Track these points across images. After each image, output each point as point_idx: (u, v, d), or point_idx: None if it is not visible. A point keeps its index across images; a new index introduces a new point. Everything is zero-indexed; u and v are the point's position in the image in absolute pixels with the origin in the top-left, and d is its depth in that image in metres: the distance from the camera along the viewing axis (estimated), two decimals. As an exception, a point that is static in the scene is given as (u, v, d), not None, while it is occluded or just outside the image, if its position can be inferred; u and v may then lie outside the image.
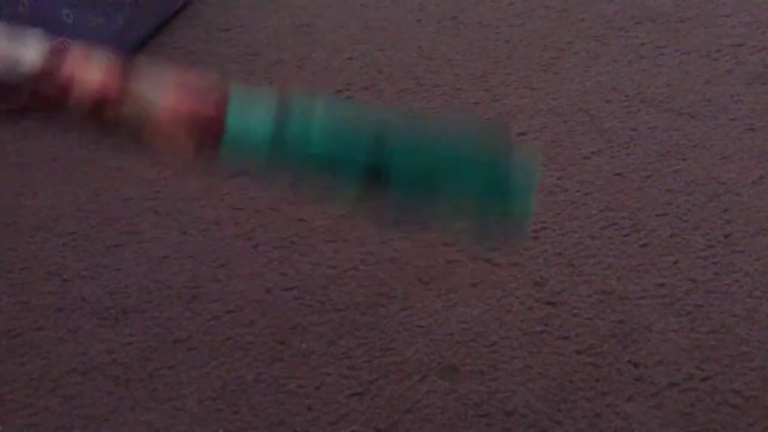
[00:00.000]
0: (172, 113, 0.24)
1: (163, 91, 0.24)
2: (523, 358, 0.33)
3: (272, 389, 0.32)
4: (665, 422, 0.30)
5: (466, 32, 0.58)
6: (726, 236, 0.38)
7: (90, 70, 0.23)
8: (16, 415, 0.31)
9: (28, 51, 0.23)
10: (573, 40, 0.56)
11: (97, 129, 0.25)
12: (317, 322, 0.36)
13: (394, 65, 0.55)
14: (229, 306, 0.36)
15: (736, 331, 0.33)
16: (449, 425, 0.30)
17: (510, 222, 0.26)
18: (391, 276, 0.37)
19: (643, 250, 0.38)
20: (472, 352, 0.35)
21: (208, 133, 0.24)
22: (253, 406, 0.32)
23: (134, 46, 0.60)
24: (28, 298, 0.40)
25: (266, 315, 0.36)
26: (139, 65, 0.23)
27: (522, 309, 0.37)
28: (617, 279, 0.36)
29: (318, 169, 0.25)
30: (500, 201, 0.25)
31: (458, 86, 0.52)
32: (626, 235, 0.39)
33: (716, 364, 0.32)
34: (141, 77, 0.24)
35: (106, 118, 0.24)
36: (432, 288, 0.37)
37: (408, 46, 0.57)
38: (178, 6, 0.66)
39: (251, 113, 0.24)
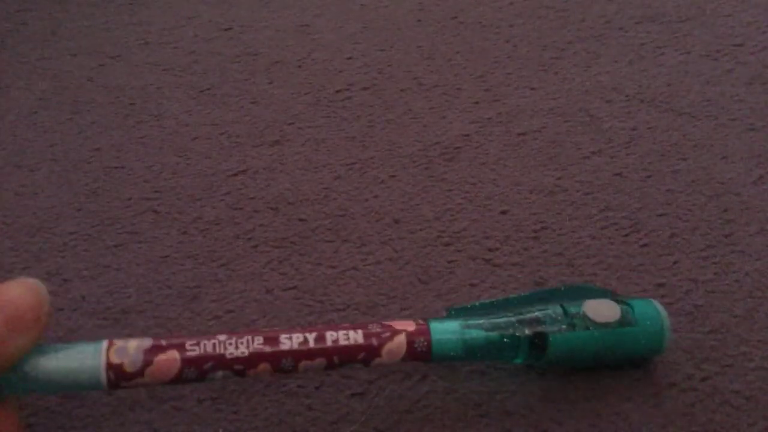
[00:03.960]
0: None
1: None
2: (523, 358, 0.33)
3: (272, 389, 0.32)
4: (665, 422, 0.30)
5: (466, 32, 0.58)
6: (726, 236, 0.38)
7: None
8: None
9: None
10: (573, 40, 0.56)
11: None
12: (317, 322, 0.36)
13: (394, 65, 0.55)
14: (229, 306, 0.36)
15: (736, 331, 0.33)
16: (449, 425, 0.30)
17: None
18: (391, 276, 0.37)
19: (643, 250, 0.38)
20: (472, 352, 0.35)
21: None
22: (253, 406, 0.31)
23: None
24: (28, 298, 0.40)
25: (266, 315, 0.36)
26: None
27: (522, 309, 0.37)
28: (617, 279, 0.36)
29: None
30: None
31: (458, 86, 0.52)
32: (626, 235, 0.39)
33: (716, 364, 0.32)
34: None
35: None
36: (432, 288, 0.37)
37: (408, 46, 0.57)
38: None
39: None
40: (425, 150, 0.46)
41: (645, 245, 0.38)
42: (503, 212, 0.41)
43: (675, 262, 0.37)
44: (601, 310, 0.30)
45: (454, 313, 0.31)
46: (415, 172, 0.44)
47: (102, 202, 0.44)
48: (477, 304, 0.32)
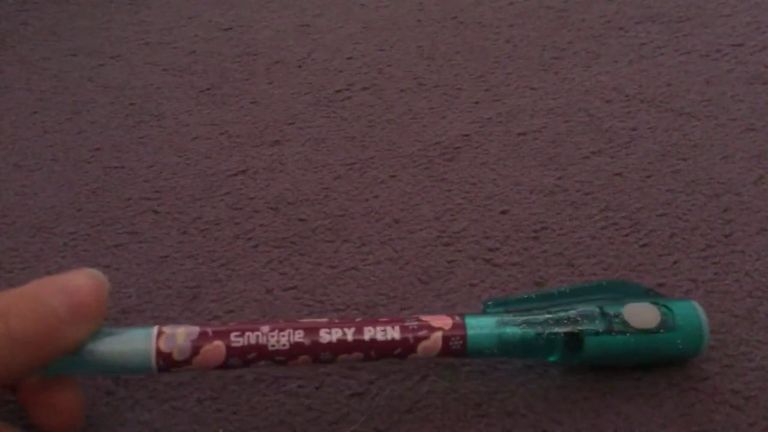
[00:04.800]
0: None
1: None
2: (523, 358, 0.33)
3: (272, 389, 0.32)
4: (665, 422, 0.30)
5: (466, 32, 0.58)
6: (726, 236, 0.38)
7: None
8: (16, 415, 0.31)
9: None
10: (573, 40, 0.56)
11: None
12: (317, 322, 0.36)
13: (394, 65, 0.55)
14: (229, 306, 0.36)
15: (736, 331, 0.33)
16: (449, 425, 0.30)
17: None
18: (391, 276, 0.37)
19: (643, 250, 0.38)
20: (472, 352, 0.35)
21: None
22: (253, 406, 0.32)
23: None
24: (28, 298, 0.40)
25: (266, 315, 0.36)
26: None
27: (522, 309, 0.37)
28: (617, 279, 0.36)
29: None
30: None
31: (458, 86, 0.52)
32: (626, 235, 0.39)
33: (716, 364, 0.32)
34: None
35: None
36: (432, 288, 0.37)
37: (408, 46, 0.57)
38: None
39: None
40: (425, 150, 0.46)
41: (645, 245, 0.38)
42: (503, 212, 0.41)
43: (675, 262, 0.37)
44: (641, 315, 0.29)
45: (491, 304, 0.31)
46: (415, 172, 0.44)
47: (102, 202, 0.44)
48: (514, 297, 0.32)
